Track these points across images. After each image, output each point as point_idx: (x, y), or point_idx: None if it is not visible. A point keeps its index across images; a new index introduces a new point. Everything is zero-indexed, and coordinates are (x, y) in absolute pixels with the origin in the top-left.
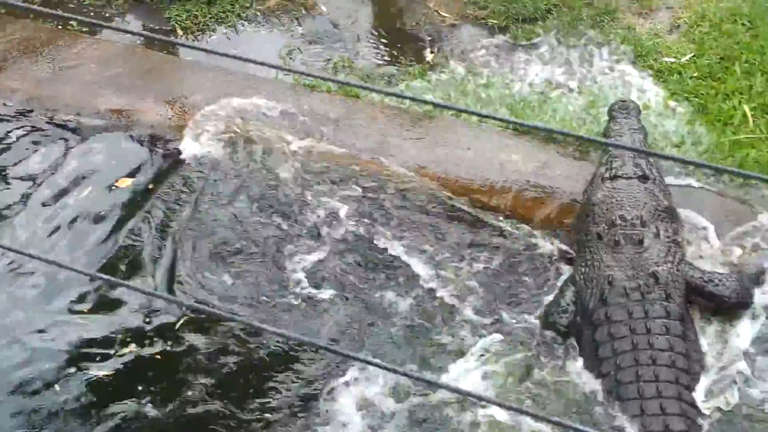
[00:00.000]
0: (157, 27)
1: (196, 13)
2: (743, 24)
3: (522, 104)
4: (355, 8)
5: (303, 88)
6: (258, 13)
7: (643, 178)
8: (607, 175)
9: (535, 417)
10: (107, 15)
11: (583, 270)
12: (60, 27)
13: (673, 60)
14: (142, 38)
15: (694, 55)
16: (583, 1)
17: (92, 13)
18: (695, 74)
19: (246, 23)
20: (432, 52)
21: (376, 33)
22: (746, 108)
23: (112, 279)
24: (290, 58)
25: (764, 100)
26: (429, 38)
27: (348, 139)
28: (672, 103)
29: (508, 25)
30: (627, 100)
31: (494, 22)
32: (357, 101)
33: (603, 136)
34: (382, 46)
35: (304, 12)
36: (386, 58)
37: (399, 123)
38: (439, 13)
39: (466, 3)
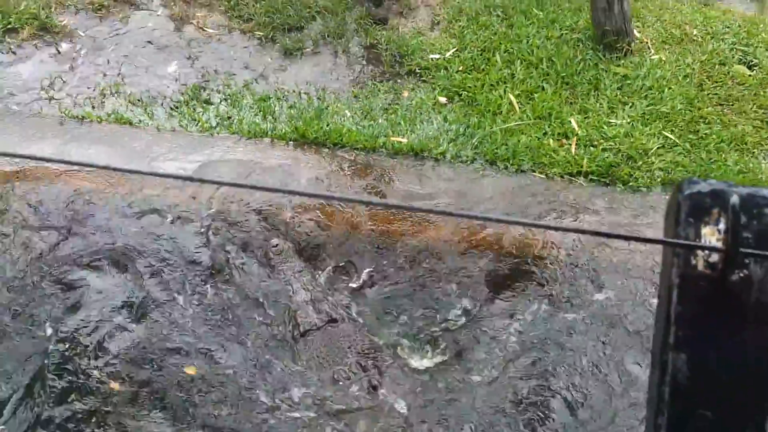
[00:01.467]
0: None
1: None
2: (498, 15)
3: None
4: (117, 29)
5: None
6: (12, 46)
7: None
8: None
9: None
10: None
11: None
12: None
13: (438, 56)
14: None
15: (456, 50)
16: (344, 5)
17: None
18: (460, 68)
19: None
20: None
21: (142, 51)
22: (512, 96)
23: None
24: (52, 89)
25: (526, 86)
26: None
27: None
28: (442, 99)
29: (276, 36)
30: None
31: (260, 33)
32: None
33: None
34: (151, 66)
35: (62, 39)
36: (155, 79)
37: None
38: (203, 29)
39: (230, 17)
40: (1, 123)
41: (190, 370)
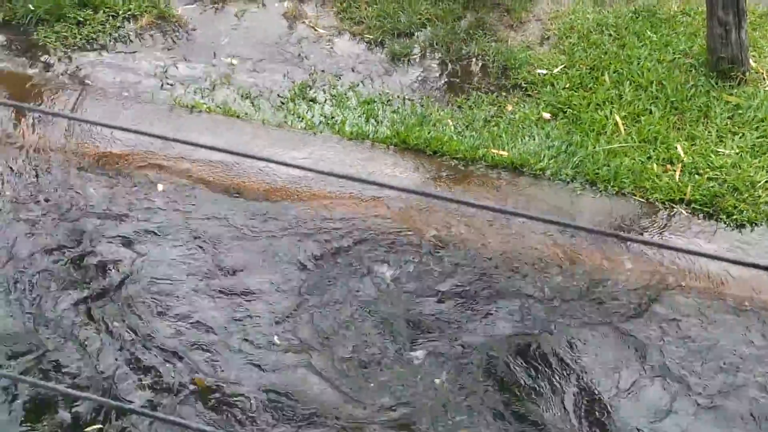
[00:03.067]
0: (26, 48)
1: (66, 34)
2: (610, 35)
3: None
4: (232, 24)
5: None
6: (131, 33)
7: None
8: None
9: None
10: None
11: None
12: None
13: (545, 72)
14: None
15: (564, 66)
16: (455, 14)
17: None
18: (567, 85)
19: (119, 43)
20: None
21: (254, 46)
22: (617, 117)
23: None
24: (165, 77)
25: (633, 109)
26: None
27: None
28: (546, 115)
29: (384, 40)
30: None
31: (370, 36)
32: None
33: None
34: (261, 61)
35: (178, 29)
36: (265, 73)
37: None
38: (314, 29)
39: (342, 18)
40: (113, 107)
41: None
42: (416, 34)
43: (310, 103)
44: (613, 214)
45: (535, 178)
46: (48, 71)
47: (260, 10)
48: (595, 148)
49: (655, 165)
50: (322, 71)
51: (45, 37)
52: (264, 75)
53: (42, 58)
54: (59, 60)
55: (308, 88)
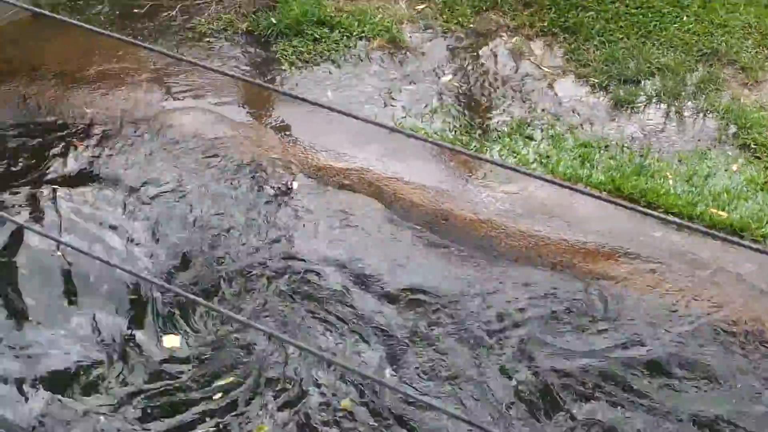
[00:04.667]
0: (264, 58)
1: (302, 49)
2: None
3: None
4: (458, 54)
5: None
6: (361, 53)
7: None
8: None
9: None
10: (219, 46)
11: None
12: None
13: None
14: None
15: None
16: (686, 66)
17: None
18: None
19: (349, 62)
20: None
21: (476, 82)
22: None
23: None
24: (390, 98)
25: None
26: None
27: None
28: None
29: (609, 85)
30: None
31: (595, 80)
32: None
33: None
34: (479, 96)
35: (406, 54)
36: (482, 109)
37: None
38: (540, 67)
39: (568, 59)
40: (329, 124)
41: None
42: (643, 82)
43: (527, 139)
44: None
45: (754, 241)
46: (282, 83)
47: (487, 44)
48: None
49: None
50: (542, 110)
51: (282, 49)
52: (484, 107)
53: (277, 69)
54: (292, 72)
55: (526, 125)
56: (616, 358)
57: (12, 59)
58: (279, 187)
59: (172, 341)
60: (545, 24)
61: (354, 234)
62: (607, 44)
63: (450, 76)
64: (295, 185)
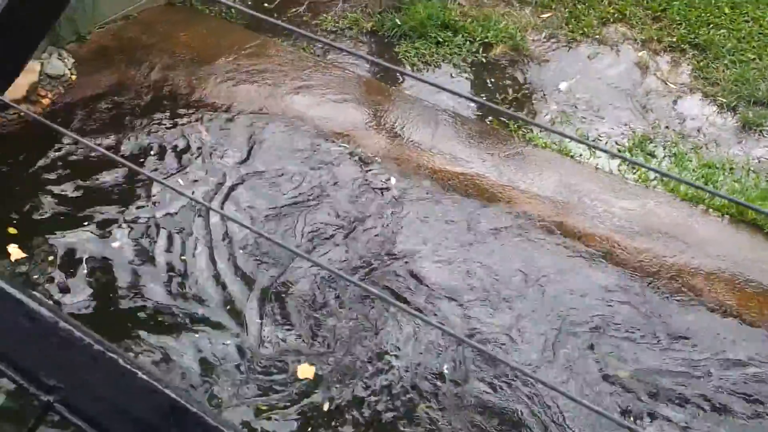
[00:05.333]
0: (386, 60)
1: (424, 51)
2: None
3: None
4: (582, 64)
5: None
6: (483, 59)
7: None
8: None
9: None
10: (343, 44)
11: None
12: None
13: None
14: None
15: None
16: None
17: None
18: None
19: (470, 67)
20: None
21: (601, 89)
22: None
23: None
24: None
25: None
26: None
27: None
28: None
29: (738, 106)
30: None
31: (723, 100)
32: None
33: None
34: (605, 105)
35: (528, 62)
36: (606, 118)
37: None
38: (665, 83)
39: (696, 77)
40: (445, 127)
41: None
42: None
43: (648, 156)
44: None
45: None
46: (401, 83)
47: (613, 56)
48: None
49: None
50: (666, 127)
51: (405, 51)
52: (605, 120)
53: (399, 70)
54: (414, 72)
55: (648, 141)
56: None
57: (146, 46)
58: (396, 188)
59: (306, 371)
60: (674, 39)
61: (462, 236)
62: (738, 64)
63: (567, 84)
64: (393, 181)
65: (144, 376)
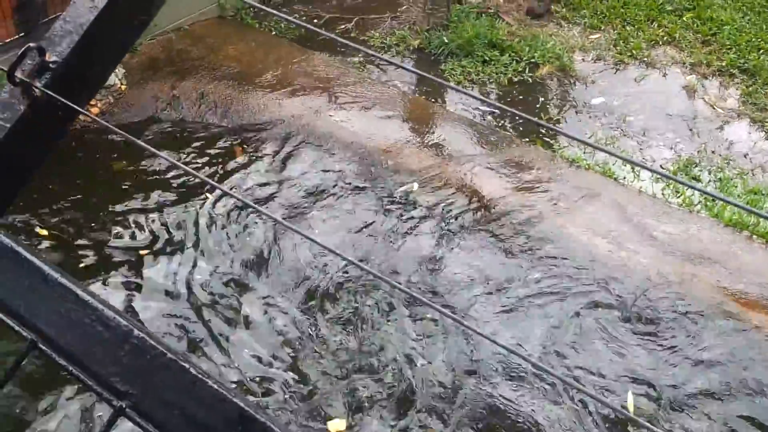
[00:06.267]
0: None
1: (470, 69)
2: None
3: None
4: (629, 86)
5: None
6: (529, 79)
7: None
8: None
9: None
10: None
11: None
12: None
13: None
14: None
15: None
16: None
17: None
18: None
19: (516, 86)
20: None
21: (646, 112)
22: None
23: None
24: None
25: None
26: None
27: None
28: None
29: None
30: None
31: None
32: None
33: None
34: (648, 128)
35: (574, 83)
36: (652, 141)
37: None
38: (714, 107)
39: (745, 102)
40: (482, 136)
41: None
42: None
43: (693, 180)
44: None
45: None
46: (444, 101)
47: (660, 79)
48: None
49: None
50: (712, 152)
51: (451, 68)
52: (651, 142)
53: (443, 88)
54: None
55: (693, 165)
56: None
57: (195, 58)
58: (436, 209)
59: (337, 426)
60: (723, 63)
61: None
62: None
63: (600, 100)
64: (415, 186)
65: (214, 385)
